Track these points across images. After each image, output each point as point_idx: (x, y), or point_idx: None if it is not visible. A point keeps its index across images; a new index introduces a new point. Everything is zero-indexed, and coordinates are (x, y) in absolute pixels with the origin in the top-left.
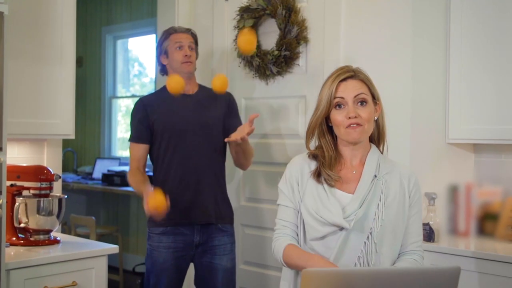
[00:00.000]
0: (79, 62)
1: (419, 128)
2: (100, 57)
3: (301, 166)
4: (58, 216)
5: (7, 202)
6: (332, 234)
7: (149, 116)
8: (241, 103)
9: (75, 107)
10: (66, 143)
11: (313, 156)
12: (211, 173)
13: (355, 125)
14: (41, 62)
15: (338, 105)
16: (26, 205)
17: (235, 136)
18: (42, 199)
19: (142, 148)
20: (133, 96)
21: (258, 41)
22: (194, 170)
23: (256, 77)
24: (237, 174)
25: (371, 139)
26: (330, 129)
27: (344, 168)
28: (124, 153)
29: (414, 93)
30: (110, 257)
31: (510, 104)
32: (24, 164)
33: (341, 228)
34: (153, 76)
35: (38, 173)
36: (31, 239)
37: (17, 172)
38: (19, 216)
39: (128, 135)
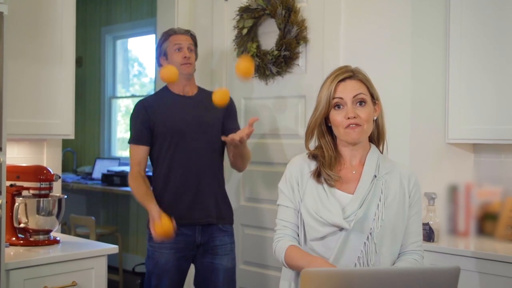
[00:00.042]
0: (79, 62)
1: (419, 128)
2: (99, 57)
3: (300, 166)
4: (57, 216)
5: (6, 202)
6: (332, 234)
7: (150, 118)
8: (241, 103)
9: (75, 107)
10: (65, 143)
11: (313, 156)
12: (211, 173)
13: (354, 125)
14: (41, 62)
15: (337, 106)
16: (25, 205)
17: (232, 136)
18: (41, 199)
19: (143, 149)
20: (132, 96)
21: (258, 41)
22: (195, 171)
23: (255, 77)
24: (237, 174)
25: (371, 139)
26: (330, 129)
27: (344, 168)
28: (124, 153)
29: (414, 93)
30: (110, 257)
31: (509, 104)
32: (24, 164)
33: (341, 229)
34: (153, 76)
35: (37, 173)
36: (30, 239)
37: (16, 172)
38: (18, 216)
39: (127, 135)
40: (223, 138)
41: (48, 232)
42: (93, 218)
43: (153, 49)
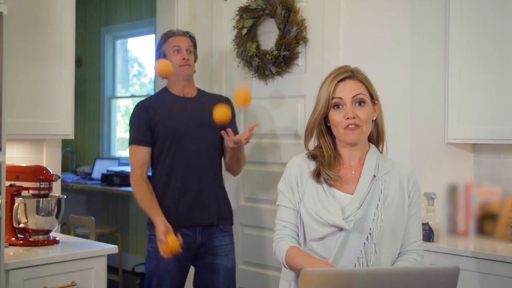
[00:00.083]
0: (78, 62)
1: (419, 128)
2: (99, 57)
3: (300, 167)
4: (57, 216)
5: (6, 202)
6: (331, 234)
7: (151, 118)
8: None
9: (75, 107)
10: (65, 143)
11: (312, 156)
12: (211, 173)
13: (353, 126)
14: (40, 62)
15: (336, 106)
16: (25, 205)
17: (232, 136)
18: (41, 199)
19: (145, 151)
20: (132, 96)
21: (257, 41)
22: (195, 171)
23: (255, 77)
24: None
25: (370, 139)
26: (329, 129)
27: (343, 168)
28: (124, 153)
29: (414, 93)
30: (110, 257)
31: (509, 104)
32: (23, 164)
33: (341, 229)
34: (153, 76)
35: (37, 173)
36: (30, 239)
37: (16, 172)
38: (18, 216)
39: (127, 135)
40: (222, 133)
41: (47, 232)
42: (92, 218)
43: (152, 49)
